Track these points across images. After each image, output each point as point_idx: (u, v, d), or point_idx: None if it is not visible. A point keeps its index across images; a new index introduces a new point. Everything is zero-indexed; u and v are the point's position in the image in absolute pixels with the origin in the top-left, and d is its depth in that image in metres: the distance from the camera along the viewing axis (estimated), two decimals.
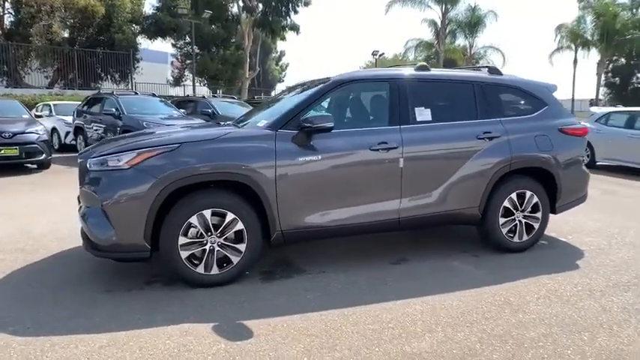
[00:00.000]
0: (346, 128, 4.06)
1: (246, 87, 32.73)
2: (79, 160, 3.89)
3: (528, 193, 4.43)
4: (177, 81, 32.54)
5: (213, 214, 3.46)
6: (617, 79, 40.39)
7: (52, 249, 4.46)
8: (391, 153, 3.89)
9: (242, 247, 3.56)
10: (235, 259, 3.56)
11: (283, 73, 61.18)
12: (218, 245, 3.51)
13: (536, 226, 4.53)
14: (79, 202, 3.87)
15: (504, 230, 4.39)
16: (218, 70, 30.22)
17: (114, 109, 10.96)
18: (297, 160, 3.62)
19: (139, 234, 3.35)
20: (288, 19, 27.35)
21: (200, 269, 3.49)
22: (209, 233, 3.47)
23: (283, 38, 34.85)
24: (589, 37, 34.17)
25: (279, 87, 51.20)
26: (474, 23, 34.32)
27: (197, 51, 28.87)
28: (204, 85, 32.55)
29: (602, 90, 43.36)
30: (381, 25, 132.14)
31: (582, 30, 34.57)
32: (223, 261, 3.54)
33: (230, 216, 3.49)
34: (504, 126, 4.33)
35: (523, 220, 4.45)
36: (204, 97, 14.10)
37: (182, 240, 3.41)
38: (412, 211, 4.06)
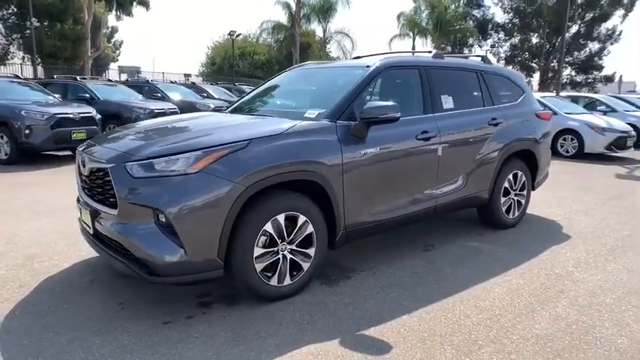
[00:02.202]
0: None
1: (89, 66, 29.32)
2: (85, 159, 3.11)
3: (519, 174, 4.87)
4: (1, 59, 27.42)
5: (286, 218, 3.08)
6: None
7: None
8: (431, 141, 3.90)
9: (311, 251, 3.25)
10: (305, 266, 3.24)
11: (117, 51, 55.80)
12: (289, 252, 3.15)
13: (524, 202, 5.02)
14: (85, 214, 3.11)
15: (503, 209, 4.77)
16: (56, 47, 26.28)
17: None
18: (358, 153, 3.41)
19: (212, 249, 2.82)
20: None
21: (274, 281, 3.10)
22: (281, 240, 3.09)
23: (130, 14, 31.81)
24: (425, 26, 38.09)
25: (114, 67, 46.24)
26: (326, 8, 35.55)
27: (29, 24, 24.61)
28: (39, 65, 28.04)
29: None
30: (236, 5, 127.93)
31: (419, 19, 38.36)
32: (293, 269, 3.19)
33: (302, 219, 3.15)
34: (502, 112, 4.65)
35: (515, 198, 4.88)
36: (76, 78, 12.13)
37: (257, 251, 2.98)
38: (445, 198, 4.15)
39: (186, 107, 12.86)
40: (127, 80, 14.56)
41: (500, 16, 42.31)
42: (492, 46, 41.95)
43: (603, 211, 5.67)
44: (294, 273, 3.20)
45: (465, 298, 3.26)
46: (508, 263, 3.90)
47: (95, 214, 3.07)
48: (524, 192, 4.99)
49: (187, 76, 38.54)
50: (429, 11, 37.19)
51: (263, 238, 3.00)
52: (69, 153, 9.68)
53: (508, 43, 42.07)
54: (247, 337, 2.72)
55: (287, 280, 3.16)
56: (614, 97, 14.39)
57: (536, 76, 42.76)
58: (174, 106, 11.78)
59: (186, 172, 2.77)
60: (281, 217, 3.05)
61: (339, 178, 3.29)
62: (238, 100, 4.65)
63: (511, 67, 44.70)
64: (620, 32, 37.75)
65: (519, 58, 42.76)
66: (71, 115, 8.84)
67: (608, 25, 37.74)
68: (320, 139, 3.27)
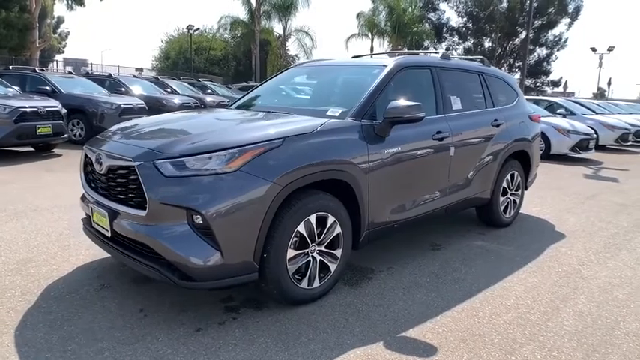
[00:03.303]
0: None
1: (37, 57, 27.81)
2: (100, 156, 2.90)
3: (516, 174, 5.01)
4: None
5: (317, 218, 3.01)
6: None
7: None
8: (445, 142, 3.93)
9: (338, 252, 3.20)
10: (333, 267, 3.18)
11: (63, 43, 53.20)
12: (317, 253, 3.08)
13: (518, 202, 5.16)
14: (99, 216, 2.92)
15: (501, 208, 4.89)
16: (1, 36, 24.64)
17: None
18: (382, 152, 3.38)
19: (249, 251, 2.71)
20: None
21: (304, 283, 3.02)
22: (312, 241, 3.02)
23: (81, 3, 30.48)
24: (383, 27, 38.63)
25: (59, 59, 43.84)
26: (287, 6, 35.34)
27: None
28: None
29: None
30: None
31: (378, 20, 38.87)
32: (321, 271, 3.13)
33: (331, 219, 3.09)
34: (502, 114, 4.77)
35: (511, 198, 5.02)
36: (35, 70, 11.39)
37: (290, 253, 2.89)
38: (454, 198, 4.20)
39: (151, 103, 12.41)
40: (88, 73, 13.81)
41: (455, 20, 43.51)
42: (447, 49, 43.09)
43: (585, 211, 5.93)
44: (322, 275, 3.13)
45: (489, 297, 3.30)
46: (517, 262, 4.00)
47: (114, 216, 2.87)
48: (519, 192, 5.14)
49: (139, 70, 37.25)
50: (387, 12, 37.71)
51: (294, 240, 2.91)
52: (31, 149, 9.10)
53: (462, 47, 43.41)
54: (288, 342, 2.63)
55: (316, 282, 3.09)
56: (572, 101, 15.13)
57: None
58: (142, 102, 11.31)
59: (223, 171, 2.64)
60: (312, 218, 2.97)
61: (366, 177, 3.25)
62: (243, 97, 4.50)
63: None
64: (566, 39, 39.81)
65: None
66: (36, 109, 8.29)
67: (555, 32, 39.75)
68: (349, 138, 3.21)
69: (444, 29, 43.13)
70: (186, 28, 33.02)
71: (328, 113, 3.42)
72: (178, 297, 3.10)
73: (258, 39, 34.74)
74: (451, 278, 3.60)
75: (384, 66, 3.77)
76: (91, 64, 34.69)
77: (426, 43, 44.16)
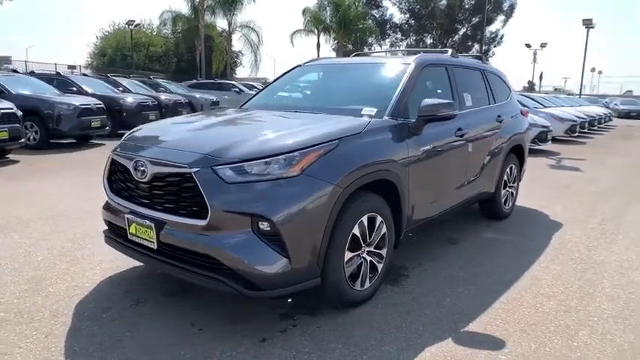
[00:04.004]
0: None
1: None
2: (143, 162, 2.72)
3: (513, 167, 5.21)
4: None
5: (368, 219, 2.99)
6: None
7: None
8: (464, 138, 4.02)
9: (384, 252, 3.19)
10: (379, 267, 3.17)
11: None
12: (367, 254, 3.06)
13: (515, 194, 5.38)
14: (141, 227, 2.75)
15: (503, 200, 5.07)
16: None
17: None
18: (418, 150, 3.40)
19: (314, 256, 2.65)
20: None
21: (357, 286, 2.99)
22: (364, 243, 2.99)
23: None
24: (329, 23, 38.81)
25: None
26: (232, 0, 34.65)
27: None
28: None
29: None
30: None
31: (324, 16, 38.99)
32: (370, 272, 3.11)
33: (379, 219, 3.08)
34: (502, 109, 4.94)
35: (510, 190, 5.22)
36: None
37: (347, 255, 2.85)
38: (470, 192, 4.31)
39: (106, 103, 11.73)
40: (33, 72, 12.82)
41: (397, 17, 44.40)
42: (391, 46, 44.07)
43: (567, 200, 6.28)
44: (371, 275, 3.11)
45: (524, 287, 3.42)
46: (532, 252, 4.16)
47: (161, 226, 2.70)
48: (515, 184, 5.35)
49: (72, 68, 35.18)
50: (332, 8, 37.92)
51: (350, 242, 2.87)
52: None
53: (405, 43, 44.50)
54: (360, 345, 2.60)
55: (366, 284, 3.07)
56: (523, 95, 15.94)
57: None
58: (100, 102, 10.69)
59: (287, 175, 2.56)
60: (365, 219, 2.95)
61: (407, 176, 3.26)
62: (254, 97, 4.37)
63: None
64: (502, 36, 41.85)
65: None
66: None
67: (492, 28, 41.65)
68: (391, 137, 3.21)
69: (388, 26, 44.04)
70: (126, 24, 31.58)
71: (363, 112, 3.38)
72: (225, 308, 2.98)
73: (202, 34, 33.83)
74: (482, 272, 3.69)
75: (407, 64, 3.79)
76: (12, 61, 32.35)
77: (370, 39, 44.96)
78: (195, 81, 23.38)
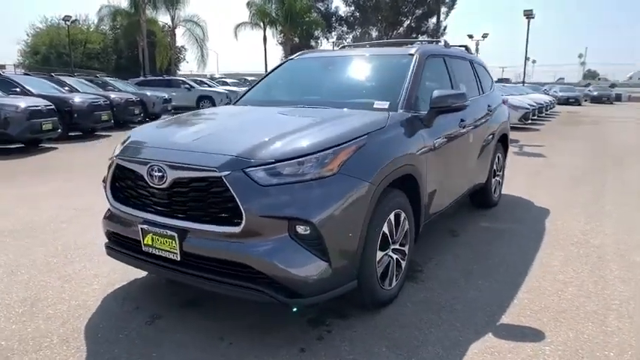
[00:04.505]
0: None
1: None
2: (161, 168, 2.49)
3: (500, 156, 5.30)
4: None
5: (394, 217, 2.90)
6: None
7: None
8: (466, 129, 4.02)
9: (406, 248, 3.12)
10: (403, 264, 3.10)
11: None
12: (392, 252, 2.98)
13: (501, 182, 5.48)
14: (159, 238, 2.53)
15: (493, 189, 5.16)
16: None
17: None
18: (432, 142, 3.35)
19: (353, 259, 2.54)
20: None
21: (386, 285, 2.91)
22: (392, 240, 2.91)
23: None
24: (275, 16, 38.32)
25: None
26: None
27: None
28: None
29: None
30: None
31: (269, 9, 38.45)
32: (396, 269, 3.03)
33: (402, 216, 3.00)
34: (490, 99, 5.00)
35: (497, 179, 5.31)
36: None
37: (378, 255, 2.76)
38: (470, 183, 4.33)
39: (55, 103, 10.97)
40: None
41: (343, 10, 44.54)
42: (338, 38, 44.21)
43: (544, 186, 6.48)
44: (396, 273, 3.03)
45: (539, 275, 3.46)
46: (532, 239, 4.24)
47: (184, 236, 2.49)
48: (501, 172, 5.45)
49: (1, 67, 32.81)
50: (277, 1, 37.48)
51: (380, 241, 2.78)
52: None
53: (351, 36, 44.79)
54: (404, 347, 2.52)
55: (393, 282, 2.99)
56: None
57: None
58: (50, 104, 9.96)
59: (322, 175, 2.42)
60: (392, 216, 2.86)
61: (424, 169, 3.21)
62: (250, 91, 4.15)
63: None
64: (445, 27, 42.97)
65: None
66: None
67: (435, 20, 42.65)
68: (409, 131, 3.13)
69: (333, 18, 44.12)
70: (63, 19, 29.70)
71: (375, 106, 3.29)
72: (249, 318, 2.81)
73: (145, 30, 32.48)
74: (493, 263, 3.70)
75: (411, 55, 3.72)
76: None
77: (317, 32, 44.89)
78: (142, 78, 22.42)
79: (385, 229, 2.79)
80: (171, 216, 2.54)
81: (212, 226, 2.41)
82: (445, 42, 4.51)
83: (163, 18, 36.07)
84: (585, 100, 34.32)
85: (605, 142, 11.80)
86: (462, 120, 3.93)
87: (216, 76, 39.86)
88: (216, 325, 2.73)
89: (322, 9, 44.16)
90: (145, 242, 2.64)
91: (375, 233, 2.67)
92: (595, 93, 36.19)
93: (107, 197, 2.87)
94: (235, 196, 2.31)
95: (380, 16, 42.47)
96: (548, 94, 25.15)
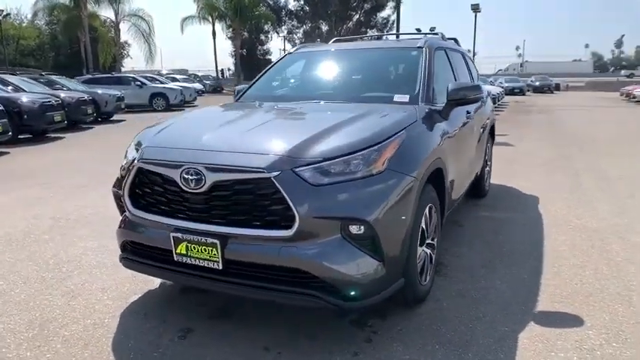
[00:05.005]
0: None
1: None
2: (198, 170, 2.31)
3: (489, 146, 5.41)
4: None
5: (428, 211, 2.87)
6: (244, 50, 46.35)
7: None
8: (472, 120, 4.06)
9: (435, 242, 3.10)
10: (434, 258, 3.08)
11: None
12: (426, 247, 2.95)
13: (490, 171, 5.60)
14: (196, 246, 2.37)
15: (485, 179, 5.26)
16: None
17: None
18: (450, 134, 3.34)
19: (401, 257, 2.47)
20: None
21: (423, 280, 2.87)
22: (427, 235, 2.88)
23: None
24: (224, 10, 37.52)
25: None
26: None
27: None
28: None
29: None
30: None
31: (217, 3, 37.60)
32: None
33: (433, 209, 2.97)
34: None
35: (487, 169, 5.43)
36: None
37: (418, 250, 2.71)
38: (473, 174, 4.38)
39: (2, 104, 10.21)
40: None
41: (292, 4, 44.31)
42: (289, 33, 43.96)
43: (523, 174, 6.70)
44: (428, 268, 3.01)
45: (553, 260, 3.54)
46: (533, 226, 4.37)
47: (225, 242, 2.33)
48: (490, 162, 5.57)
49: None
50: None
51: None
52: None
53: (302, 30, 44.69)
54: (456, 342, 2.49)
55: (427, 276, 2.95)
56: None
57: None
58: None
59: (372, 172, 2.34)
60: (427, 211, 2.83)
61: (447, 161, 3.19)
62: (253, 87, 3.97)
63: None
64: (394, 21, 43.63)
65: None
66: None
67: (383, 14, 43.32)
68: (434, 124, 3.11)
69: (283, 12, 43.81)
70: None
71: (396, 99, 3.24)
72: (287, 325, 2.68)
73: (87, 25, 30.88)
74: (507, 251, 3.75)
75: (420, 48, 3.70)
76: None
77: (267, 26, 44.43)
78: (89, 76, 21.30)
79: (423, 224, 2.75)
80: (209, 222, 2.37)
81: (260, 230, 2.28)
82: (442, 35, 4.52)
83: (106, 12, 34.48)
84: (528, 90, 35.99)
85: (562, 130, 12.40)
86: (468, 112, 3.96)
87: (164, 72, 38.49)
88: (254, 334, 2.59)
89: (271, 3, 43.82)
90: (178, 251, 2.45)
91: (418, 229, 2.63)
92: (537, 83, 38.04)
93: (126, 205, 2.65)
94: (287, 198, 2.18)
95: (329, 10, 42.57)
96: (494, 85, 26.11)
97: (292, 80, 4.05)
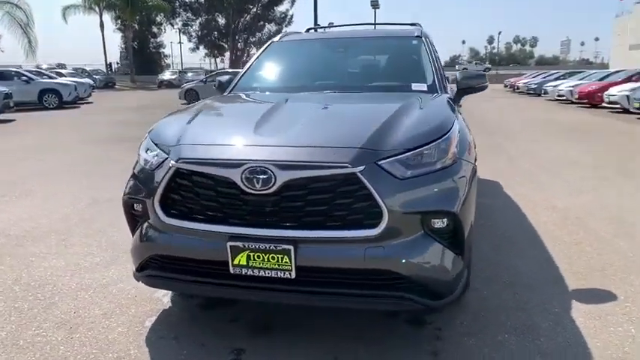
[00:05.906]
0: None
1: None
2: (265, 169, 2.03)
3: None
4: None
5: None
6: (135, 43, 43.38)
7: None
8: (461, 108, 4.11)
9: None
10: None
11: None
12: None
13: None
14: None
15: None
16: None
17: None
18: (461, 123, 3.36)
19: (469, 247, 2.41)
20: None
21: None
22: None
23: None
24: (114, 0, 34.73)
25: None
26: None
27: None
28: None
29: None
30: None
31: None
32: None
33: None
34: None
35: None
36: None
37: None
38: None
39: None
40: None
41: None
42: (185, 25, 42.03)
43: (493, 161, 6.90)
44: None
45: (550, 241, 3.73)
46: (514, 209, 4.61)
47: (297, 248, 2.08)
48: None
49: None
50: None
51: None
52: None
53: (198, 22, 42.96)
54: (524, 330, 2.48)
55: None
56: None
57: (227, 54, 45.29)
58: None
59: (448, 163, 2.24)
60: None
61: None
62: (243, 78, 3.62)
63: (203, 46, 45.91)
64: (292, 16, 43.79)
65: (209, 38, 44.27)
66: None
67: (281, 9, 43.16)
68: (455, 112, 3.09)
69: (177, 3, 41.71)
70: None
71: (414, 88, 3.17)
72: (343, 331, 2.50)
73: None
74: (508, 236, 3.87)
75: (419, 37, 3.68)
76: None
77: (159, 18, 42.01)
78: None
79: None
80: (278, 226, 2.10)
81: (339, 232, 2.06)
82: (418, 24, 4.53)
83: None
84: None
85: (476, 120, 13.29)
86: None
87: (44, 66, 34.63)
88: (315, 345, 2.37)
89: None
90: (236, 262, 2.14)
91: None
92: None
93: (156, 215, 2.25)
94: (374, 194, 2.00)
95: (226, 2, 41.37)
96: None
97: (289, 70, 3.76)
